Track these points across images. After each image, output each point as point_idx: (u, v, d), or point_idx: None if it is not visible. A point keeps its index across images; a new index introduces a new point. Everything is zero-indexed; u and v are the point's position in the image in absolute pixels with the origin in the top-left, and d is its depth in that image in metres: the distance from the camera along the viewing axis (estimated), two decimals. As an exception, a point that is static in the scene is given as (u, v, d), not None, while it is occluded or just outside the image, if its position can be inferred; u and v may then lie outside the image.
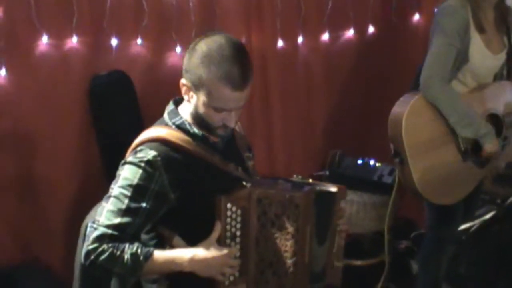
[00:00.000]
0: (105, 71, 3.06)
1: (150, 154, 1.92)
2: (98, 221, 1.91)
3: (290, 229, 1.96)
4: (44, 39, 2.89)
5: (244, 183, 1.98)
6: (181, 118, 2.01)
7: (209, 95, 1.91)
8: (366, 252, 3.57)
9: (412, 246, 3.64)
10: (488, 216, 3.46)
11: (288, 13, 3.46)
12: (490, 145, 2.72)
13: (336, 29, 3.70)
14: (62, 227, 3.01)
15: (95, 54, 3.04)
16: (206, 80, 1.89)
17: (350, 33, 3.75)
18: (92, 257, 1.88)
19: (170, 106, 2.06)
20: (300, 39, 3.58)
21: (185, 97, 1.99)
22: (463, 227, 3.29)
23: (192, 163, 1.97)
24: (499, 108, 2.85)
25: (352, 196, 3.41)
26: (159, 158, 1.92)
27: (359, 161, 3.59)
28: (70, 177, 3.05)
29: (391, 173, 3.42)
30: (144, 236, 2.04)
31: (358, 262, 3.50)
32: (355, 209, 3.39)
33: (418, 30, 3.87)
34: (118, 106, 3.08)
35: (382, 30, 3.84)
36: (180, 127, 2.00)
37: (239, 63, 1.89)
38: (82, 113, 3.05)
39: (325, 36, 3.67)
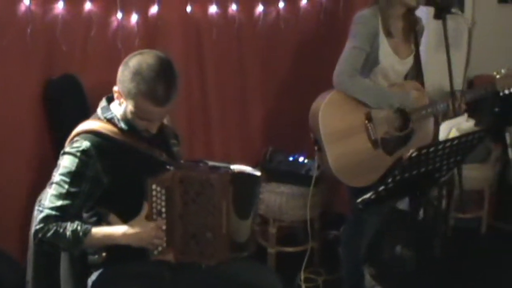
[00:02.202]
0: (57, 75, 3.29)
1: (84, 144, 2.24)
2: (44, 204, 2.23)
3: (208, 205, 2.28)
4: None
5: (168, 166, 2.31)
6: (112, 113, 2.34)
7: (135, 106, 2.22)
8: (297, 239, 3.92)
9: (341, 236, 3.98)
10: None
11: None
12: (410, 106, 3.09)
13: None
14: (19, 218, 3.15)
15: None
16: (133, 94, 2.20)
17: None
18: (40, 235, 2.19)
19: (103, 103, 2.38)
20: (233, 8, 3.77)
21: (117, 101, 2.31)
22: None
23: (121, 151, 2.30)
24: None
25: (282, 188, 3.77)
26: (92, 148, 2.24)
27: (290, 158, 3.93)
28: (26, 174, 3.23)
29: (319, 167, 3.69)
30: (85, 215, 2.36)
31: (289, 249, 3.85)
32: (285, 200, 3.73)
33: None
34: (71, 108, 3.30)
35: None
36: (111, 121, 2.32)
37: (164, 83, 2.18)
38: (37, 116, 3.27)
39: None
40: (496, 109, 4.56)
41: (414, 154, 2.44)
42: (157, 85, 2.17)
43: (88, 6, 3.29)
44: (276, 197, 3.75)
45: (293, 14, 4.05)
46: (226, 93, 3.89)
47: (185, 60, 3.68)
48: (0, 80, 3.19)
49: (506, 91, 3.33)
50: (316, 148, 3.11)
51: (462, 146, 2.65)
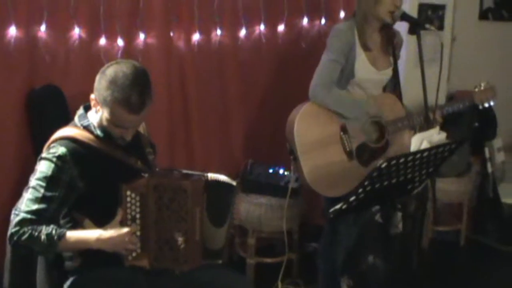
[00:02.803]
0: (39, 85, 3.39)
1: (60, 150, 2.30)
2: (20, 208, 2.28)
3: (181, 211, 2.33)
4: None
5: (143, 173, 2.36)
6: (88, 121, 2.40)
7: (110, 114, 2.29)
8: (276, 250, 3.96)
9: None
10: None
11: (204, 10, 3.79)
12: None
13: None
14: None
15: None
16: (108, 102, 2.26)
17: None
18: (15, 238, 2.24)
19: (80, 111, 2.45)
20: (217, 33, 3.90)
21: (94, 108, 2.37)
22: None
23: (97, 157, 2.35)
24: (383, 115, 3.23)
25: (261, 199, 3.82)
26: (68, 153, 2.30)
27: (270, 170, 3.98)
28: (8, 180, 3.30)
29: (297, 179, 3.76)
30: (61, 221, 2.40)
31: (268, 260, 3.89)
32: (264, 211, 3.78)
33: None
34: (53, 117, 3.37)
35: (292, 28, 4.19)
36: (87, 128, 2.38)
37: (138, 91, 2.25)
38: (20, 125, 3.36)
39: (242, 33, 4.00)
40: (476, 124, 4.63)
41: (383, 165, 2.49)
42: (132, 93, 2.24)
43: (75, 31, 3.43)
44: (255, 208, 3.80)
45: (272, 34, 4.15)
46: (207, 106, 3.96)
47: (167, 75, 3.77)
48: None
49: (486, 105, 3.39)
50: (291, 158, 3.16)
51: (433, 158, 2.70)
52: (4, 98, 3.34)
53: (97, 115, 2.36)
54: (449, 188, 4.29)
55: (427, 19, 4.44)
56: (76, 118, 2.43)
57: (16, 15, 3.27)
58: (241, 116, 4.14)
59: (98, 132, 2.37)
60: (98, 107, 2.32)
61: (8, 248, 2.43)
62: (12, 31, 3.28)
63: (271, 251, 3.96)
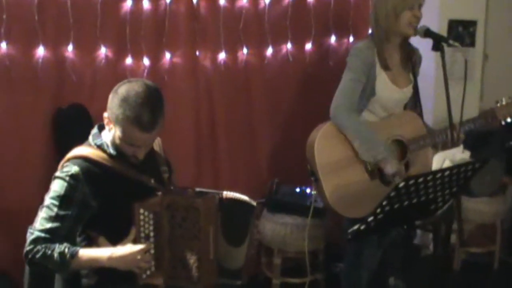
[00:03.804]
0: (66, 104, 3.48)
1: (73, 169, 2.33)
2: (34, 226, 2.31)
3: (194, 229, 2.32)
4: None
5: (157, 192, 2.36)
6: (101, 140, 2.42)
7: (122, 132, 2.30)
8: (302, 270, 3.90)
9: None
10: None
11: (229, 29, 3.85)
12: (388, 168, 3.03)
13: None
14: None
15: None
16: (121, 120, 2.28)
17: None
18: (30, 256, 2.28)
19: (94, 130, 2.47)
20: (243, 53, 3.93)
21: (107, 127, 2.39)
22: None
23: (110, 176, 2.37)
24: (404, 134, 3.17)
25: (286, 219, 3.78)
26: (81, 172, 2.32)
27: (297, 189, 3.95)
28: (34, 197, 3.32)
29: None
30: (78, 239, 2.42)
31: (294, 280, 3.84)
32: (289, 231, 3.75)
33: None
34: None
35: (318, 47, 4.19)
36: (100, 147, 2.40)
37: (150, 110, 2.27)
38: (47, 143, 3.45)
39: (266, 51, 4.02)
40: (511, 143, 4.51)
41: (401, 185, 2.43)
42: (143, 112, 2.25)
43: (102, 51, 3.52)
44: (280, 228, 3.77)
45: (300, 53, 4.15)
46: (233, 125, 3.98)
47: (193, 94, 3.80)
48: (13, 108, 3.37)
49: (508, 120, 3.30)
50: (312, 179, 3.11)
51: (456, 178, 2.63)
52: (32, 117, 3.43)
53: (110, 134, 2.38)
54: (482, 208, 4.19)
55: (458, 36, 4.37)
56: (90, 137, 2.46)
57: (44, 35, 3.37)
58: (268, 135, 4.13)
59: (111, 150, 2.39)
60: (111, 126, 2.34)
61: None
62: (40, 51, 3.39)
63: (298, 271, 3.90)
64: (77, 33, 3.45)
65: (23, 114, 3.43)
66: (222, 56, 3.86)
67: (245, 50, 3.93)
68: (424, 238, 4.46)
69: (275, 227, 3.79)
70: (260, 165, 4.14)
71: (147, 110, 2.26)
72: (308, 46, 4.15)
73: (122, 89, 2.30)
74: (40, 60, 3.39)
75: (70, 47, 3.45)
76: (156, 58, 3.70)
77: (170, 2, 3.66)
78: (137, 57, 3.63)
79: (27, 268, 2.47)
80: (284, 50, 4.08)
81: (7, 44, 3.32)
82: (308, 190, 3.93)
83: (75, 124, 3.44)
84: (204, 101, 3.87)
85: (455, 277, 4.13)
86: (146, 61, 3.65)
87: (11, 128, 3.40)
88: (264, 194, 4.02)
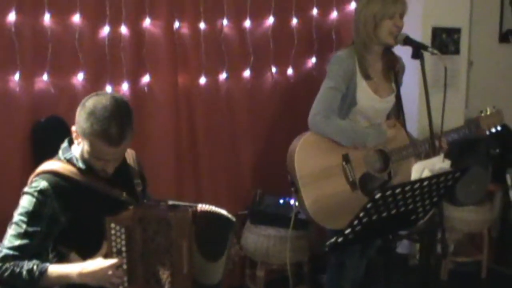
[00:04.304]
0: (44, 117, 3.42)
1: (42, 184, 2.27)
2: (3, 244, 2.26)
3: (166, 243, 2.27)
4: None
5: (129, 206, 2.31)
6: (71, 153, 2.37)
7: (90, 146, 2.25)
8: (287, 282, 3.85)
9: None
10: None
11: (211, 53, 3.82)
12: (386, 139, 3.07)
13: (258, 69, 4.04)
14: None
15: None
16: (88, 134, 2.23)
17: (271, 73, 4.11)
18: None
19: (64, 144, 2.42)
20: (223, 76, 3.91)
21: (76, 141, 2.34)
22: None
23: (80, 190, 2.31)
24: (387, 144, 3.13)
25: (270, 231, 3.74)
26: (49, 187, 2.27)
27: (281, 200, 3.91)
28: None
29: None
30: (50, 255, 2.36)
31: (278, 292, 3.81)
32: (272, 242, 3.70)
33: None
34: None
35: (300, 71, 4.19)
36: (69, 161, 2.35)
37: (118, 123, 2.22)
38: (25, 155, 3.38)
39: (247, 73, 4.00)
40: (497, 150, 4.48)
41: (377, 196, 2.38)
42: (111, 125, 2.20)
43: (79, 77, 3.47)
44: (263, 240, 3.73)
45: (282, 74, 4.15)
46: (215, 137, 3.94)
47: (174, 106, 3.75)
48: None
49: (493, 130, 3.28)
50: (293, 189, 3.07)
51: (435, 187, 2.58)
52: (9, 129, 3.37)
53: (78, 148, 2.33)
54: (468, 217, 4.16)
55: (442, 43, 4.34)
56: (60, 151, 2.41)
57: (21, 63, 3.32)
58: (250, 145, 4.09)
59: (80, 164, 2.34)
60: (79, 140, 2.29)
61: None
62: (16, 77, 3.33)
63: (282, 283, 3.86)
64: (55, 59, 3.39)
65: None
66: (202, 80, 3.84)
67: (224, 75, 3.92)
68: (411, 248, 4.41)
69: (258, 239, 3.74)
70: (243, 175, 4.10)
71: (115, 124, 2.21)
72: (290, 70, 4.16)
73: (90, 103, 2.25)
74: (17, 89, 3.34)
75: (45, 76, 3.39)
76: (135, 81, 3.66)
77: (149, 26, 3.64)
78: (116, 82, 3.58)
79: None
80: (267, 72, 4.08)
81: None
82: (292, 201, 3.88)
83: (52, 136, 3.39)
84: (184, 112, 3.82)
85: (443, 287, 4.08)
86: (125, 86, 3.61)
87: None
88: (247, 205, 3.99)
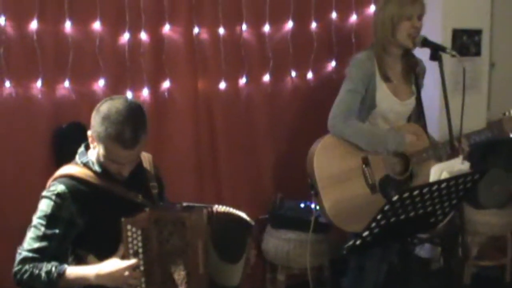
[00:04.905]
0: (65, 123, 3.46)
1: (59, 187, 2.32)
2: (22, 247, 2.31)
3: (182, 244, 2.30)
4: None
5: (145, 208, 2.33)
6: (87, 157, 2.41)
7: (105, 149, 2.29)
8: (308, 286, 3.84)
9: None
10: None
11: (231, 58, 3.83)
12: (406, 146, 3.05)
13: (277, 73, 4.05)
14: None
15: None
16: (102, 138, 2.27)
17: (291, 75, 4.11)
18: (18, 276, 2.27)
19: (81, 149, 2.47)
20: (243, 81, 3.93)
21: (91, 145, 2.38)
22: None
23: (96, 193, 2.35)
24: (407, 147, 3.10)
25: (290, 234, 3.73)
26: (67, 191, 2.31)
27: (301, 204, 3.90)
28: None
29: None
30: (69, 258, 2.40)
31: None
32: (293, 246, 3.69)
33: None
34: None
35: (321, 75, 4.18)
36: (86, 165, 2.39)
37: (132, 127, 2.25)
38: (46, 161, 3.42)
39: (266, 78, 4.01)
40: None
41: (395, 198, 2.37)
42: (125, 129, 2.24)
43: (100, 84, 3.51)
44: (284, 244, 3.73)
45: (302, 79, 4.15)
46: (235, 141, 3.94)
47: (194, 109, 3.76)
48: (14, 128, 3.35)
49: None
50: (312, 193, 3.06)
51: (454, 189, 2.56)
52: (31, 135, 3.41)
53: (94, 152, 2.36)
54: (491, 220, 4.11)
55: (463, 45, 4.30)
56: (76, 156, 2.45)
57: (42, 71, 3.37)
58: (270, 151, 4.09)
59: (97, 168, 2.38)
60: (95, 144, 2.33)
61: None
62: (39, 84, 3.38)
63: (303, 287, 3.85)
64: (76, 66, 3.43)
65: (22, 133, 3.41)
66: (222, 85, 3.86)
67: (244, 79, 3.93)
68: (433, 252, 4.37)
69: (278, 243, 3.74)
70: (263, 180, 4.10)
71: (129, 127, 2.24)
72: (310, 74, 4.16)
73: (104, 107, 2.29)
74: (40, 96, 3.38)
75: (66, 83, 3.43)
76: (156, 87, 3.69)
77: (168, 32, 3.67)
78: (137, 88, 3.61)
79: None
80: (287, 77, 4.09)
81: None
82: (312, 205, 3.87)
83: (73, 142, 3.43)
84: (204, 117, 3.84)
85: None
86: (145, 92, 3.64)
87: (10, 147, 3.38)
88: (268, 209, 3.98)
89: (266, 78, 4.00)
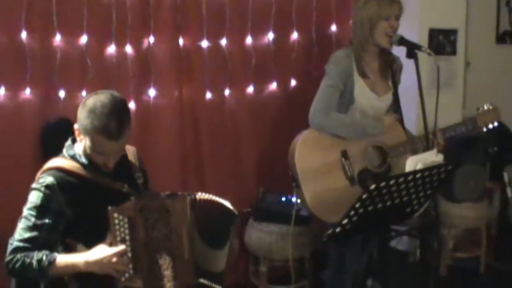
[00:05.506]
0: (54, 119, 3.56)
1: (48, 179, 2.41)
2: (14, 237, 2.40)
3: (166, 230, 2.40)
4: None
5: (131, 197, 2.44)
6: (74, 150, 2.51)
7: (91, 141, 2.40)
8: (290, 278, 3.94)
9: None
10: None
11: (215, 69, 3.95)
12: (385, 128, 3.16)
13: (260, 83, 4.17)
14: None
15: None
16: (89, 130, 2.38)
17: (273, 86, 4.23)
18: (10, 266, 2.36)
19: (68, 142, 2.57)
20: (227, 92, 4.05)
21: (78, 138, 2.48)
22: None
23: (84, 184, 2.45)
24: (385, 141, 3.22)
25: (272, 227, 3.83)
26: (55, 182, 2.41)
27: (283, 198, 4.01)
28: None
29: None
30: (60, 247, 2.48)
31: (281, 288, 3.89)
32: (274, 239, 3.79)
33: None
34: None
35: (303, 83, 4.30)
36: (73, 158, 2.49)
37: (116, 119, 2.36)
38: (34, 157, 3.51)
39: (250, 89, 4.14)
40: (495, 148, 4.56)
41: (372, 187, 2.48)
42: (110, 121, 2.34)
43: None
44: (266, 236, 3.82)
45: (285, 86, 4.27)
46: (218, 139, 4.05)
47: (178, 105, 3.85)
48: (3, 123, 3.41)
49: (490, 126, 3.34)
50: (294, 185, 3.17)
51: (429, 180, 2.67)
52: (19, 131, 3.49)
53: (81, 144, 2.47)
54: (466, 213, 4.24)
55: (439, 44, 4.43)
56: (64, 149, 2.55)
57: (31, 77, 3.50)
58: (252, 147, 4.20)
59: (83, 160, 2.48)
60: (81, 137, 2.43)
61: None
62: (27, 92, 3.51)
63: (285, 279, 3.94)
64: (63, 76, 3.57)
65: (10, 128, 3.49)
66: (208, 95, 3.99)
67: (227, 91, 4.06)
68: (410, 245, 4.49)
69: (260, 235, 3.84)
70: (246, 175, 4.20)
71: (114, 120, 2.35)
72: (293, 82, 4.28)
73: (90, 101, 2.39)
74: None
75: (61, 92, 3.57)
76: (140, 96, 3.80)
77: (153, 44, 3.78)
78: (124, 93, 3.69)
79: (13, 280, 2.53)
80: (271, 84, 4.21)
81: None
82: (294, 199, 3.97)
83: (61, 138, 3.51)
84: (188, 118, 3.96)
85: (442, 282, 4.16)
86: (132, 104, 3.74)
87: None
88: (251, 203, 4.08)
89: (249, 80, 4.12)
